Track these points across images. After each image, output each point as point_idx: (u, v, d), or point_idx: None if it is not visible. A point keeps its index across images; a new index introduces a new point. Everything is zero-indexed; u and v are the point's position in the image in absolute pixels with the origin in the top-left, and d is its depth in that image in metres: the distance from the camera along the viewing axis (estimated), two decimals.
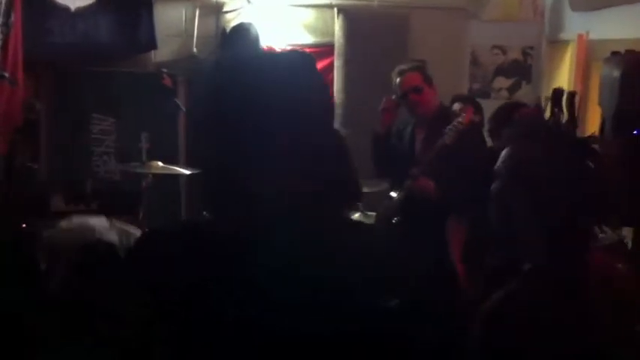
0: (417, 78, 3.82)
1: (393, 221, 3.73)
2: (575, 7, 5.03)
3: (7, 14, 3.94)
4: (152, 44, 5.13)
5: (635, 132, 2.32)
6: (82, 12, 4.76)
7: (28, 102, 3.02)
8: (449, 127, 3.55)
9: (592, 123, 4.64)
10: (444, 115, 3.73)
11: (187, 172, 4.47)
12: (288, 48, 5.50)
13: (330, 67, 5.57)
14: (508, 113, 3.30)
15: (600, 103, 3.09)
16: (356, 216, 4.65)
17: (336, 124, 5.58)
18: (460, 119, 3.55)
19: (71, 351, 2.95)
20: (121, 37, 4.98)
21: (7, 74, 3.77)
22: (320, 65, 5.62)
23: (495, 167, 1.71)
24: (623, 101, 2.28)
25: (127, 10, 4.98)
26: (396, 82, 3.87)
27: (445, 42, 5.74)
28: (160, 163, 4.29)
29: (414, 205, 3.61)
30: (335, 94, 5.56)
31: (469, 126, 3.55)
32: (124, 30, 4.99)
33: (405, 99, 3.83)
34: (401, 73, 3.87)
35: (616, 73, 2.29)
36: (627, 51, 2.38)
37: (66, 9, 4.70)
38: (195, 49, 5.37)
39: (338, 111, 5.56)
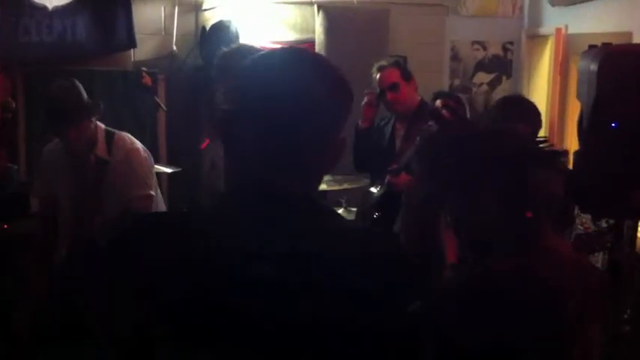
0: (394, 74, 3.84)
1: (374, 217, 3.74)
2: (554, 1, 5.06)
3: None
4: (131, 43, 5.10)
5: (612, 125, 2.33)
6: (59, 11, 4.73)
7: (5, 101, 2.98)
8: (429, 122, 3.55)
9: (572, 117, 4.67)
10: (424, 112, 3.74)
11: (168, 170, 4.45)
12: (269, 45, 5.49)
13: None
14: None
15: (578, 97, 3.11)
16: (339, 212, 4.66)
17: None
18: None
19: (55, 351, 2.94)
20: (100, 35, 4.95)
21: None
22: None
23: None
24: (600, 94, 2.29)
25: (105, 9, 4.95)
26: (376, 79, 3.88)
27: (425, 38, 5.76)
28: None
29: (394, 201, 3.62)
30: None
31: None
32: (103, 29, 4.96)
33: (383, 96, 3.84)
34: (379, 69, 3.89)
35: (593, 67, 2.30)
36: (604, 44, 2.39)
37: (43, 8, 4.66)
38: (174, 47, 5.35)
39: None
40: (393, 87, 3.82)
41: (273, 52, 1.37)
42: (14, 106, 2.93)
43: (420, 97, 3.91)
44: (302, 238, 1.19)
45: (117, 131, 3.23)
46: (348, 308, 1.14)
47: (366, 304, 1.16)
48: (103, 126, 3.20)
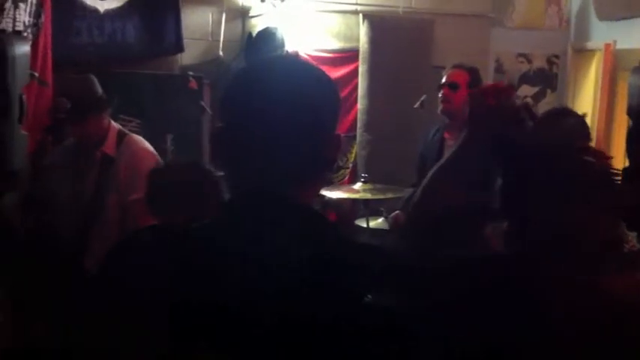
0: (461, 76, 3.79)
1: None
2: (602, 16, 5.01)
3: (37, 15, 3.98)
4: (179, 47, 5.17)
5: None
6: (110, 14, 4.82)
7: (59, 101, 3.04)
8: None
9: (618, 133, 4.61)
10: None
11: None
12: (314, 53, 5.53)
13: (354, 73, 5.58)
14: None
15: (628, 113, 3.08)
16: (378, 221, 4.66)
17: (361, 130, 5.59)
18: None
19: None
20: (149, 39, 5.02)
21: (37, 74, 3.81)
22: (344, 71, 5.64)
23: None
24: None
25: (155, 14, 5.02)
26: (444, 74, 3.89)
27: (470, 49, 5.72)
28: None
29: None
30: (359, 99, 5.57)
31: None
32: (152, 33, 5.03)
33: (439, 90, 3.83)
34: (451, 67, 3.87)
35: None
36: None
37: (95, 10, 4.76)
38: (221, 53, 5.40)
39: (362, 116, 5.58)
40: (452, 85, 3.78)
41: (257, 62, 1.40)
42: (69, 106, 2.97)
43: None
44: (300, 246, 1.19)
45: (130, 133, 3.24)
46: (346, 313, 1.15)
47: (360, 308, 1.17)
48: (117, 126, 3.21)
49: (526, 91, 5.90)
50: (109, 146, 3.10)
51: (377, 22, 5.54)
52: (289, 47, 5.46)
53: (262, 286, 1.13)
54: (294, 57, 1.48)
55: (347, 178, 5.67)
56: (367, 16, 5.54)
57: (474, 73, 3.91)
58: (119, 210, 3.00)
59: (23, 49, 2.88)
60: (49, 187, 3.07)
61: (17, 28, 3.70)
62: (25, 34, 3.70)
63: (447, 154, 3.72)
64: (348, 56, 5.63)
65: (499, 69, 5.90)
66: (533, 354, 1.41)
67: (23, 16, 3.79)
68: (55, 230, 3.06)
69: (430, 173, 1.76)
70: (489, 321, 1.39)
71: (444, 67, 5.42)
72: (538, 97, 5.91)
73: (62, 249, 2.98)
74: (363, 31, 5.55)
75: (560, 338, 1.39)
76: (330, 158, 1.31)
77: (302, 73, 1.32)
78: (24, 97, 2.85)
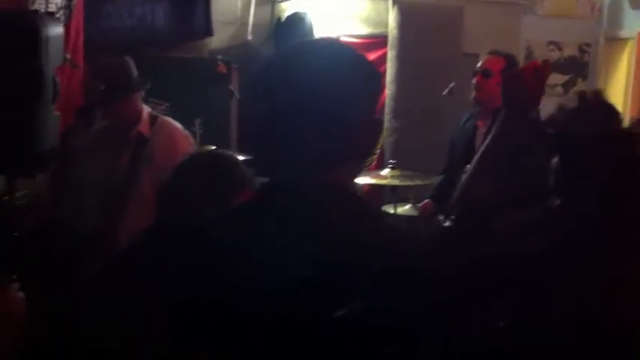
0: (496, 63, 3.70)
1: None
2: (635, 5, 4.94)
3: None
4: (208, 31, 5.18)
5: None
6: None
7: (93, 84, 3.06)
8: None
9: None
10: None
11: (240, 157, 4.49)
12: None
13: (383, 59, 5.55)
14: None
15: None
16: (406, 208, 4.64)
17: (389, 116, 5.56)
18: None
19: None
20: (179, 23, 5.04)
21: (68, 56, 3.83)
22: (373, 56, 5.61)
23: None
24: None
25: None
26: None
27: (500, 36, 5.65)
28: (214, 148, 4.32)
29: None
30: (387, 85, 5.54)
31: None
32: (182, 16, 5.04)
33: (473, 77, 3.78)
34: (488, 52, 3.81)
35: None
36: None
37: None
38: (249, 37, 5.40)
39: (389, 103, 5.55)
40: (486, 72, 3.70)
41: (293, 45, 1.38)
42: (103, 88, 2.98)
43: None
44: (339, 230, 1.19)
45: (161, 115, 3.26)
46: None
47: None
48: (148, 109, 3.23)
49: (557, 79, 5.84)
50: (144, 127, 3.12)
51: (407, 7, 5.49)
52: (318, 32, 5.45)
53: (305, 269, 1.13)
54: (332, 40, 1.47)
55: (374, 164, 5.65)
56: (397, 1, 5.50)
57: (510, 60, 3.82)
58: (154, 188, 3.04)
59: (57, 30, 2.88)
60: (81, 168, 3.08)
61: (50, 10, 3.73)
62: (58, 15, 3.72)
63: (478, 141, 3.72)
64: (376, 42, 5.60)
65: (529, 57, 5.83)
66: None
67: None
68: (84, 213, 3.07)
69: (473, 162, 1.73)
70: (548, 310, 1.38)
71: (474, 54, 5.43)
72: (568, 85, 5.84)
73: (91, 231, 3.00)
74: (392, 17, 5.50)
75: None
76: (369, 143, 1.30)
77: (339, 57, 1.30)
78: (57, 78, 2.86)
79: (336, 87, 1.25)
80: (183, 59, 5.09)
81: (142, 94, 3.21)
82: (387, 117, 5.58)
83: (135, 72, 3.13)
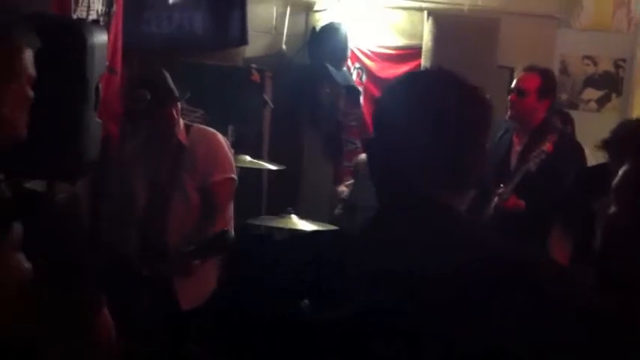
0: (532, 81, 3.64)
1: None
2: None
3: (110, 3, 4.04)
4: (243, 39, 5.19)
5: None
6: (178, 4, 4.86)
7: (139, 92, 3.09)
8: (534, 153, 3.47)
9: None
10: (545, 131, 3.60)
11: (273, 167, 4.51)
12: (376, 49, 5.52)
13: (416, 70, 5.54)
14: (633, 130, 3.06)
15: None
16: None
17: None
18: (544, 148, 3.46)
19: None
20: (215, 31, 5.05)
21: (107, 62, 3.86)
22: (406, 68, 5.60)
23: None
24: None
25: (221, 5, 5.05)
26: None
27: (535, 49, 5.63)
28: (248, 157, 4.34)
29: (502, 223, 3.50)
30: None
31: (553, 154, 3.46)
32: (218, 24, 5.06)
33: (509, 94, 3.73)
34: (524, 69, 3.76)
35: None
36: None
37: (164, 1, 4.81)
38: (284, 46, 5.42)
39: None
40: (520, 92, 3.66)
41: (413, 73, 1.42)
42: (149, 97, 3.02)
43: (544, 116, 3.73)
44: (465, 253, 1.19)
45: (193, 124, 3.34)
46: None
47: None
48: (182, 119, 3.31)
49: (591, 94, 5.79)
50: (182, 135, 3.18)
51: (442, 19, 5.49)
52: (352, 43, 5.45)
53: (426, 291, 1.14)
54: (450, 71, 1.50)
55: None
56: (432, 13, 5.49)
57: (546, 77, 3.76)
58: (197, 193, 3.11)
59: (102, 38, 2.92)
60: (123, 176, 3.14)
61: (91, 17, 3.76)
62: (99, 22, 3.75)
63: (513, 159, 3.67)
64: (410, 53, 5.59)
65: (564, 71, 5.80)
66: None
67: (97, 5, 3.85)
68: (128, 220, 3.13)
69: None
70: None
71: (508, 67, 5.41)
72: (602, 101, 5.79)
73: (138, 235, 3.05)
74: (427, 28, 5.50)
75: None
76: (477, 174, 1.32)
77: (459, 89, 1.33)
78: (100, 85, 2.89)
79: (453, 117, 1.28)
80: (217, 67, 5.10)
81: (182, 103, 3.27)
82: None
83: (172, 83, 3.20)
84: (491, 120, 1.36)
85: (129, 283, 2.82)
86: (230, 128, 4.94)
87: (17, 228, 1.26)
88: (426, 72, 1.40)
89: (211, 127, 3.62)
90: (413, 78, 1.39)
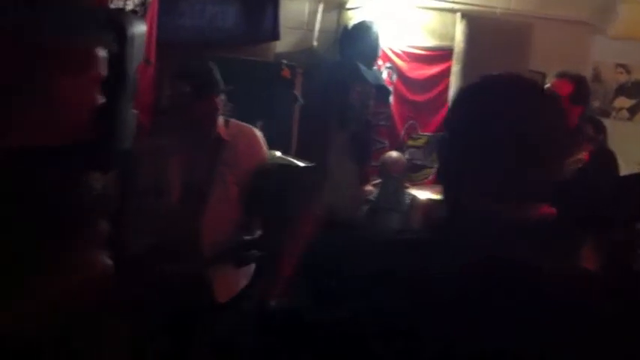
0: (564, 88, 3.57)
1: None
2: None
3: None
4: (275, 35, 5.18)
5: None
6: None
7: (178, 84, 3.07)
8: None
9: None
10: (577, 139, 3.55)
11: (301, 164, 4.48)
12: (408, 49, 5.48)
13: (446, 72, 5.51)
14: None
15: None
16: None
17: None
18: (580, 156, 3.42)
19: None
20: (247, 25, 5.05)
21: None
22: (437, 69, 5.57)
23: None
24: None
25: (254, 0, 5.05)
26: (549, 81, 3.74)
27: (568, 56, 5.57)
28: (278, 153, 4.31)
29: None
30: (450, 99, 5.49)
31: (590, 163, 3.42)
32: (250, 18, 5.05)
33: None
34: (556, 75, 3.69)
35: None
36: None
37: None
38: (315, 43, 5.40)
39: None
40: None
41: (487, 77, 1.36)
42: (189, 89, 3.00)
43: (577, 123, 3.68)
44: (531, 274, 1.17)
45: (231, 119, 3.32)
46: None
47: None
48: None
49: (622, 103, 5.73)
50: (222, 129, 3.16)
51: (474, 21, 5.44)
52: (384, 42, 5.42)
53: (495, 302, 1.12)
54: (528, 78, 1.46)
55: (431, 177, 5.61)
56: (465, 15, 5.45)
57: (579, 84, 3.71)
58: (237, 187, 3.10)
59: (141, 28, 2.91)
60: (159, 168, 3.11)
61: (127, 7, 3.76)
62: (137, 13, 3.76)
63: None
64: (441, 54, 5.55)
65: (596, 78, 5.74)
66: None
67: None
68: (166, 212, 3.11)
69: None
70: None
71: (540, 72, 5.35)
72: (635, 109, 5.73)
73: (176, 229, 3.03)
74: (459, 30, 5.46)
75: None
76: (551, 187, 1.27)
77: (538, 96, 1.29)
78: (136, 76, 2.88)
79: (532, 124, 1.24)
80: (248, 62, 5.09)
81: (223, 96, 3.24)
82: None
83: (218, 74, 3.17)
84: (564, 136, 1.30)
85: (166, 277, 2.81)
86: (259, 123, 4.92)
87: (104, 225, 1.26)
88: (504, 76, 1.34)
89: (240, 120, 3.60)
90: (492, 81, 1.32)
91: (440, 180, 1.33)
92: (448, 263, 1.17)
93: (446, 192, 1.30)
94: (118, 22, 2.81)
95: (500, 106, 1.25)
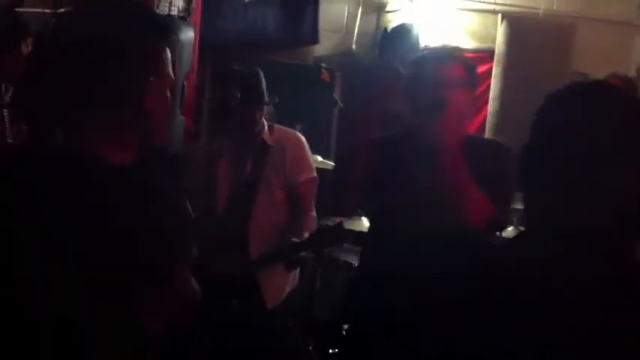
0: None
1: None
2: None
3: (189, 0, 4.05)
4: (315, 38, 5.18)
5: None
6: (253, 1, 4.87)
7: (227, 90, 3.08)
8: None
9: None
10: None
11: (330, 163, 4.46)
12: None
13: (488, 74, 5.44)
14: None
15: None
16: (509, 230, 4.52)
17: (490, 133, 5.45)
18: None
19: None
20: (287, 28, 5.05)
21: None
22: (478, 71, 5.51)
23: None
24: None
25: (294, 3, 5.05)
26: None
27: (610, 56, 5.48)
28: (319, 157, 4.30)
29: None
30: (490, 101, 5.43)
31: None
32: (290, 22, 5.06)
33: None
34: (607, 76, 3.60)
35: None
36: None
37: None
38: (354, 46, 5.37)
39: (491, 119, 5.43)
40: None
41: (577, 84, 1.32)
42: (239, 95, 3.00)
43: None
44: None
45: (275, 124, 3.34)
46: None
47: None
48: None
49: None
50: (267, 134, 3.18)
51: (516, 22, 5.37)
52: (424, 44, 5.38)
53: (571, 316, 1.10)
54: (618, 86, 1.41)
55: None
56: (506, 16, 5.38)
57: (627, 85, 3.66)
58: (283, 191, 3.08)
59: (189, 35, 2.92)
60: (206, 175, 3.13)
61: (172, 12, 3.77)
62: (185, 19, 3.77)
63: None
64: (482, 56, 5.47)
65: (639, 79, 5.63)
66: None
67: (178, 1, 3.86)
68: (214, 215, 3.12)
69: None
70: None
71: (583, 73, 5.27)
72: None
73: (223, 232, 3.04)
74: (500, 32, 5.39)
75: None
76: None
77: (628, 106, 1.24)
78: (185, 82, 2.89)
79: (620, 135, 1.20)
80: (288, 65, 5.09)
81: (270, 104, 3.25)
82: (487, 133, 5.46)
83: (264, 84, 3.18)
84: None
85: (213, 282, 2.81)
86: (298, 127, 4.92)
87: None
88: (597, 83, 1.30)
89: (279, 124, 3.61)
90: (584, 89, 1.28)
91: (523, 189, 1.28)
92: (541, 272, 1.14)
93: (529, 203, 1.26)
94: (171, 27, 2.82)
95: (597, 115, 1.21)
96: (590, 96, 1.25)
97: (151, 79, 1.42)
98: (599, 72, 5.24)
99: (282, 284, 3.13)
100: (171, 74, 1.50)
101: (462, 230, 2.03)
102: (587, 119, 1.20)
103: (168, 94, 1.50)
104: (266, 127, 3.20)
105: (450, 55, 2.64)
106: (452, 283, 1.20)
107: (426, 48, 5.05)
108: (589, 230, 1.18)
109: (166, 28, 1.53)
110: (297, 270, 3.23)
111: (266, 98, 3.18)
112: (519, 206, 3.83)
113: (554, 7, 5.47)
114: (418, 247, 1.64)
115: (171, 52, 1.52)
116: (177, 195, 1.35)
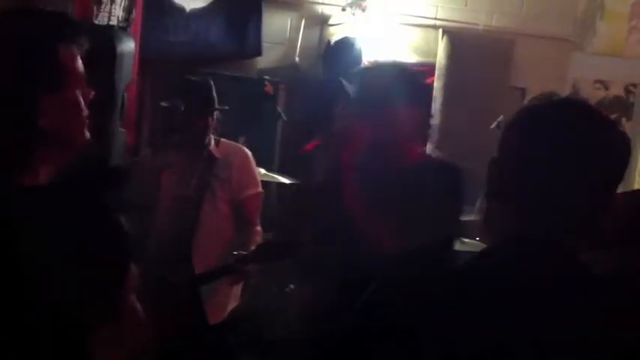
0: None
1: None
2: None
3: (129, 10, 3.99)
4: (258, 51, 5.16)
5: None
6: (195, 13, 4.82)
7: (173, 101, 3.05)
8: None
9: None
10: None
11: (286, 181, 4.45)
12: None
13: (429, 88, 5.51)
14: None
15: None
16: (466, 241, 4.56)
17: (430, 146, 5.51)
18: None
19: None
20: (230, 41, 5.02)
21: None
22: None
23: None
24: None
25: (237, 16, 5.02)
26: None
27: (547, 72, 5.62)
28: (263, 170, 4.27)
29: None
30: (434, 113, 5.50)
31: None
32: (233, 35, 5.03)
33: None
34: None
35: None
36: None
37: (181, 9, 4.77)
38: (297, 59, 5.38)
39: (434, 133, 5.50)
40: None
41: (548, 100, 1.33)
42: (183, 108, 2.97)
43: None
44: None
45: (221, 138, 3.34)
46: None
47: None
48: None
49: None
50: (214, 147, 3.17)
51: (456, 37, 5.47)
52: (366, 58, 5.42)
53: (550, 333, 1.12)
54: (586, 101, 1.41)
55: None
56: (447, 31, 5.47)
57: None
58: (227, 205, 3.09)
59: (130, 46, 2.88)
60: (150, 187, 3.09)
61: (111, 22, 3.71)
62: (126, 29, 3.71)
63: None
64: (424, 70, 5.55)
65: (576, 94, 5.77)
66: None
67: (118, 11, 3.80)
68: (159, 228, 3.08)
69: None
70: None
71: (520, 88, 5.40)
72: None
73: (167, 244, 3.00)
74: (441, 47, 5.48)
75: None
76: (603, 219, 1.24)
77: (599, 124, 1.25)
78: (125, 94, 2.84)
79: (592, 152, 1.21)
80: (231, 77, 5.06)
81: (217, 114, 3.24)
82: (429, 146, 5.53)
83: (214, 93, 3.18)
84: (625, 167, 1.26)
85: (157, 291, 2.76)
86: (241, 139, 4.89)
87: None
88: (565, 101, 1.31)
89: (222, 136, 3.59)
90: (553, 105, 1.28)
91: (493, 200, 1.29)
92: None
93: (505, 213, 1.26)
94: (109, 38, 2.78)
95: (565, 132, 1.22)
96: (554, 113, 1.26)
97: (49, 94, 1.35)
98: (534, 86, 5.40)
99: (225, 301, 3.10)
100: (83, 78, 1.43)
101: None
102: (551, 136, 1.22)
103: (82, 103, 1.43)
104: (212, 141, 3.19)
105: (399, 69, 2.68)
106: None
107: (372, 62, 5.10)
108: (550, 238, 1.20)
109: (74, 31, 1.44)
110: (240, 287, 3.20)
111: (214, 111, 3.17)
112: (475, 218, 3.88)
113: (494, 23, 5.59)
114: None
115: (98, 60, 1.47)
116: (109, 211, 1.30)
